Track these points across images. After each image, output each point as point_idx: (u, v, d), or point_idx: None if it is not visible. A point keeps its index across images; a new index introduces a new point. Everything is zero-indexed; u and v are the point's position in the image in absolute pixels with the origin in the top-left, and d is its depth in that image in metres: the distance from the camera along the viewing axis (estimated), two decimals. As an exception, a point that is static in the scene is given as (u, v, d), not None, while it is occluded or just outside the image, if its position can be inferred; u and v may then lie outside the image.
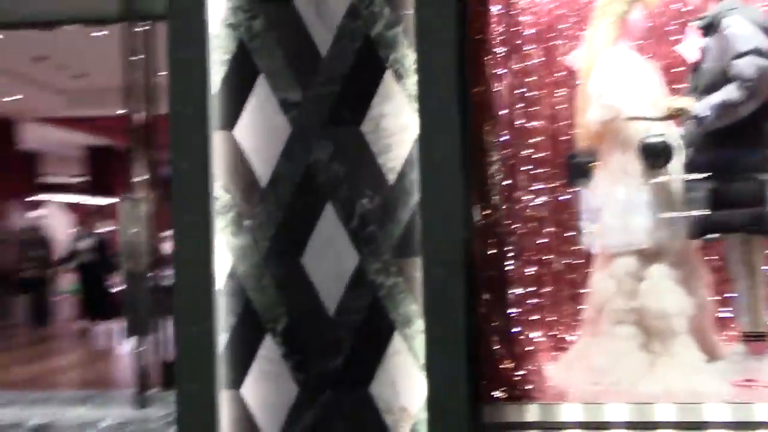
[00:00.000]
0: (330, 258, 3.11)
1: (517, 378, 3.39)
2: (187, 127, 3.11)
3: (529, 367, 3.46)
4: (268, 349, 3.14)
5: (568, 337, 4.17)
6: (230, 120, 3.17)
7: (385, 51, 3.09)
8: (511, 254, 3.48)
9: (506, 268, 3.45)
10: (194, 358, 3.08)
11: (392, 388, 3.06)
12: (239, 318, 3.14)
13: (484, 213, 3.32)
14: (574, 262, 4.17)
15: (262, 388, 3.13)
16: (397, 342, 3.06)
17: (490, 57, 3.37)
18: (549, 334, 4.05)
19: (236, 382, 3.13)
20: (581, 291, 4.07)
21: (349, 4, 3.11)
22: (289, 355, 3.13)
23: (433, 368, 2.96)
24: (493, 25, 3.45)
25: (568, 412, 3.23)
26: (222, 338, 3.13)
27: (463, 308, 2.96)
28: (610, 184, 3.92)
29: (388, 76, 3.09)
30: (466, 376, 2.99)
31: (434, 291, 2.97)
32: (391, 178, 3.08)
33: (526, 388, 3.38)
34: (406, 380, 3.05)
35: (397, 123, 3.08)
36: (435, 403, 2.96)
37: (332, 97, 3.13)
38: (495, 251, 3.34)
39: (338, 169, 3.12)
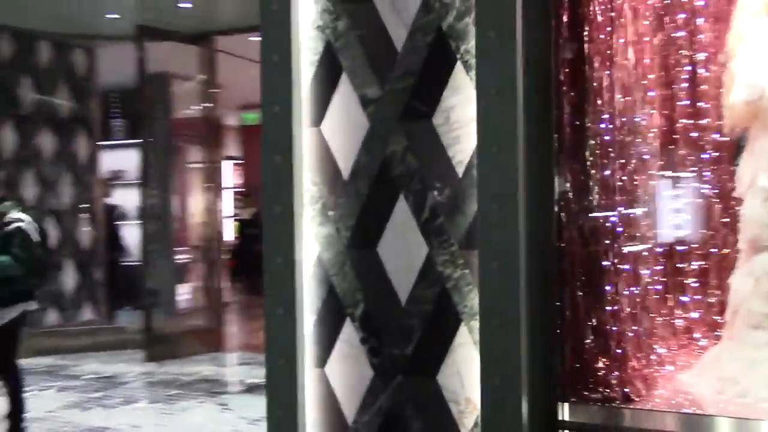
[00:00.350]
0: (402, 248, 3.21)
1: (609, 379, 3.25)
2: (276, 124, 3.37)
3: (629, 368, 3.29)
4: (348, 332, 3.32)
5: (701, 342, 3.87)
6: (318, 117, 3.38)
7: (456, 42, 3.09)
8: (609, 249, 3.32)
9: (602, 264, 3.30)
10: (280, 337, 3.36)
11: (458, 378, 3.09)
12: (324, 302, 3.36)
13: (571, 204, 3.20)
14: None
15: (343, 368, 3.33)
16: (463, 333, 3.08)
17: (579, 39, 3.22)
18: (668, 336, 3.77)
19: (321, 360, 3.36)
20: (714, 291, 3.75)
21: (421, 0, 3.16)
22: (365, 340, 3.29)
23: (487, 364, 2.95)
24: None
25: (656, 420, 3.04)
26: (309, 320, 3.37)
27: (518, 303, 2.90)
28: (755, 170, 3.58)
29: (459, 67, 3.09)
30: (526, 373, 2.93)
31: (488, 284, 2.95)
32: (460, 170, 3.09)
33: (618, 390, 3.23)
34: (471, 372, 3.05)
35: (466, 115, 3.07)
36: (488, 399, 2.95)
37: (407, 91, 3.20)
38: (586, 244, 3.21)
39: (411, 161, 3.20)
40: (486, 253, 2.97)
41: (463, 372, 3.08)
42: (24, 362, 7.73)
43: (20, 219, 4.91)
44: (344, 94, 3.33)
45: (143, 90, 8.35)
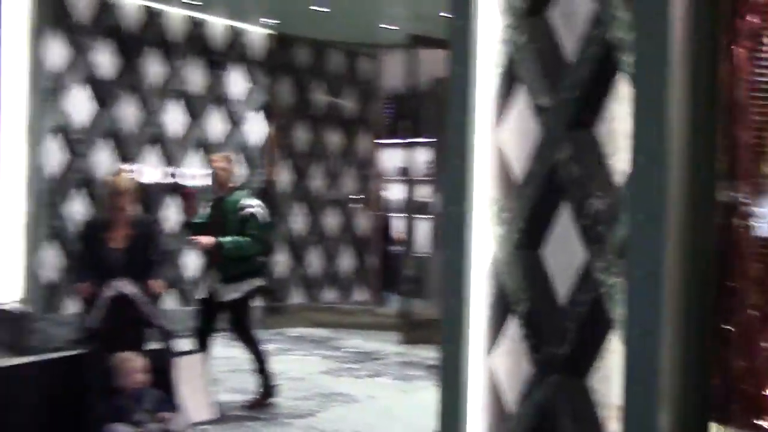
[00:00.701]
0: (563, 252, 3.34)
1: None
2: (459, 131, 3.68)
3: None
4: (512, 328, 3.54)
5: None
6: (499, 123, 3.62)
7: (621, 54, 3.14)
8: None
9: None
10: (452, 324, 3.67)
11: (607, 384, 3.16)
12: (494, 297, 3.61)
13: (740, 216, 3.08)
14: None
15: (506, 361, 3.55)
16: (614, 340, 3.14)
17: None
18: None
19: (489, 351, 3.62)
20: None
21: (592, 11, 3.25)
22: (527, 337, 3.48)
23: (628, 372, 2.99)
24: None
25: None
26: (482, 312, 3.64)
27: (659, 314, 2.89)
28: None
29: (622, 79, 3.14)
30: (668, 386, 2.92)
31: (631, 293, 2.98)
32: (619, 180, 3.14)
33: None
34: (620, 379, 3.11)
35: (626, 125, 3.11)
36: (629, 407, 2.98)
37: (574, 101, 3.32)
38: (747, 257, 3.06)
39: (575, 170, 3.31)
40: (632, 262, 3.01)
41: (613, 378, 3.14)
42: (301, 331, 8.94)
43: (252, 205, 5.57)
44: (521, 104, 3.54)
45: (433, 92, 9.01)
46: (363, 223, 10.09)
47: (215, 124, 8.69)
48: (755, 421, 3.06)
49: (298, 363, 7.30)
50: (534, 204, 3.47)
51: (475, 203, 3.64)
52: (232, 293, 5.51)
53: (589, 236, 3.25)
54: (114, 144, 7.93)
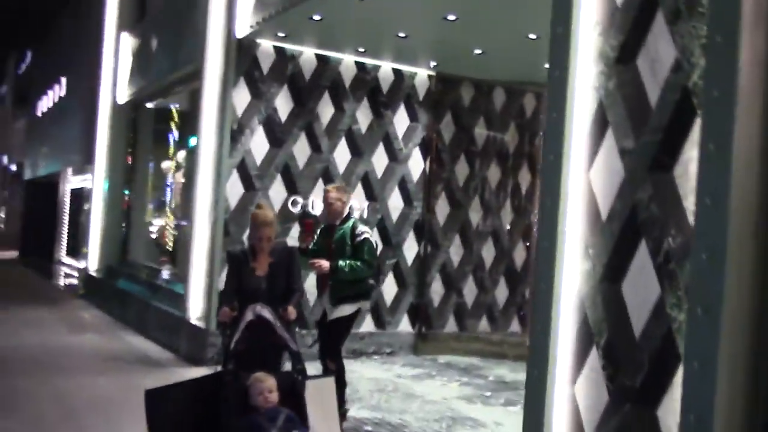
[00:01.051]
0: (640, 287, 3.51)
1: None
2: (552, 172, 3.95)
3: None
4: (594, 357, 3.72)
5: None
6: (588, 164, 3.85)
7: (698, 99, 3.29)
8: None
9: None
10: (538, 351, 3.92)
11: (674, 416, 3.27)
12: (579, 328, 3.81)
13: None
14: None
15: (587, 389, 3.74)
16: (681, 373, 3.25)
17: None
18: None
19: (573, 379, 3.82)
20: None
21: (674, 59, 3.43)
22: (606, 367, 3.65)
23: (685, 405, 3.10)
24: None
25: None
26: (568, 342, 3.86)
27: (716, 349, 3.00)
28: None
29: (699, 123, 3.28)
30: (722, 420, 3.00)
31: (691, 328, 3.10)
32: (692, 219, 3.27)
33: None
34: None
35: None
36: (687, 436, 3.09)
37: (655, 144, 3.50)
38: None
39: (654, 209, 3.48)
40: (693, 298, 3.14)
41: (679, 410, 3.25)
42: (451, 359, 9.28)
43: (367, 231, 5.93)
44: (608, 146, 3.75)
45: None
46: (518, 255, 10.27)
47: (379, 160, 9.34)
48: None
49: (438, 388, 7.64)
50: (616, 240, 3.66)
51: (565, 239, 3.88)
52: (339, 313, 5.88)
53: (663, 273, 3.40)
54: (286, 179, 8.81)
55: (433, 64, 9.41)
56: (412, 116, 9.63)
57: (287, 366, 4.81)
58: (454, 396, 7.36)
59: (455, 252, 9.87)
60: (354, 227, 5.88)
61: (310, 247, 5.90)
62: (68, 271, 19.04)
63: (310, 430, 4.33)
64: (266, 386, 4.24)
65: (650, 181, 3.51)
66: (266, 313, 4.56)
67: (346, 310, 5.90)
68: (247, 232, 5.78)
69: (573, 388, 3.81)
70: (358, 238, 5.80)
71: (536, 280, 4.01)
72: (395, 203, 9.55)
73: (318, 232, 6.14)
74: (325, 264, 5.68)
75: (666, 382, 3.34)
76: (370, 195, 9.39)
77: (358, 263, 5.76)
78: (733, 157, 3.05)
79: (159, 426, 4.23)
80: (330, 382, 4.86)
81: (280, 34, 8.48)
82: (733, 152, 3.05)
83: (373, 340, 9.33)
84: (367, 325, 9.31)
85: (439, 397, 7.23)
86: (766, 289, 3.11)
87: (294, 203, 8.89)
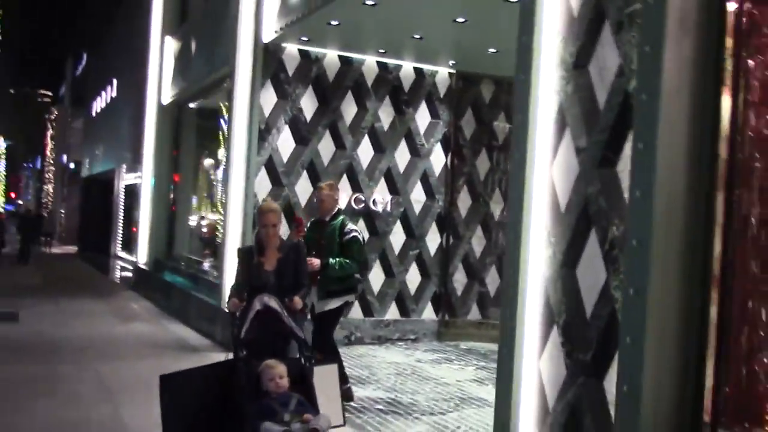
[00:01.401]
0: (591, 272, 3.89)
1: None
2: (519, 168, 4.34)
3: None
4: (555, 335, 4.12)
5: None
6: (551, 161, 4.24)
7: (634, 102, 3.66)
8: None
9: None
10: (507, 330, 4.32)
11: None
12: (542, 309, 4.21)
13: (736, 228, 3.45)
14: None
15: (549, 364, 4.14)
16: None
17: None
18: None
19: (539, 355, 4.22)
20: None
21: (618, 66, 3.80)
22: (564, 344, 4.04)
23: (620, 375, 3.49)
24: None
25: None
26: (534, 322, 4.26)
27: (644, 322, 3.37)
28: None
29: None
30: (652, 388, 3.38)
31: (626, 306, 3.48)
32: (631, 210, 3.65)
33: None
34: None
35: (637, 164, 3.62)
36: (621, 406, 3.48)
37: (602, 143, 3.87)
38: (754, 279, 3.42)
39: (601, 202, 3.86)
40: (627, 281, 3.52)
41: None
42: (473, 345, 9.68)
43: (356, 230, 6.28)
44: (566, 145, 4.14)
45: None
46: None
47: (401, 156, 9.78)
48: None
49: (454, 372, 8.06)
50: (572, 230, 4.05)
51: (530, 229, 4.28)
52: (327, 306, 6.22)
53: (608, 259, 3.78)
54: (311, 175, 9.33)
55: (452, 62, 9.79)
56: (434, 113, 10.04)
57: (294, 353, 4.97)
58: (468, 379, 7.76)
59: (477, 243, 10.25)
60: (343, 225, 6.23)
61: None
62: (123, 264, 19.99)
63: (320, 412, 4.49)
64: (277, 372, 4.44)
65: (598, 176, 3.90)
66: (273, 302, 4.78)
67: (333, 303, 6.23)
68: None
69: (539, 363, 4.21)
70: (347, 236, 6.15)
71: (505, 266, 4.42)
72: (417, 196, 9.97)
73: (308, 226, 6.58)
74: (316, 262, 6.01)
75: (611, 357, 3.72)
76: (392, 189, 9.83)
77: (347, 261, 6.12)
78: (659, 154, 3.42)
79: (171, 409, 4.51)
80: (333, 368, 5.20)
81: (304, 38, 8.97)
82: (658, 150, 3.42)
83: (398, 327, 9.80)
84: (392, 312, 9.79)
85: (453, 380, 7.65)
86: (692, 272, 3.47)
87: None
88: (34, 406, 6.28)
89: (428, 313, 10.05)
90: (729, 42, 3.50)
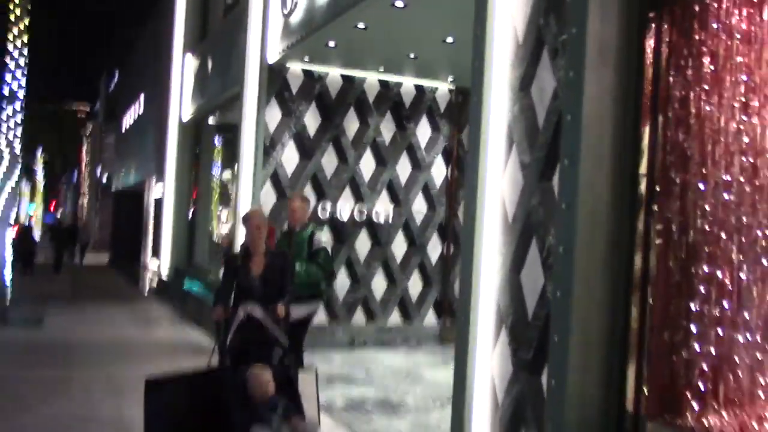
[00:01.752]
0: (532, 277, 4.26)
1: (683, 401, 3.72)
2: (472, 180, 4.72)
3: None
4: (503, 335, 4.49)
5: None
6: (501, 176, 4.62)
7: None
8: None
9: (683, 282, 3.77)
10: (462, 331, 4.70)
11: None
12: (494, 311, 4.58)
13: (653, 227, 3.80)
14: None
15: (499, 362, 4.51)
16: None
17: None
18: None
19: (490, 354, 4.59)
20: None
21: (554, 89, 4.17)
22: (510, 343, 4.41)
23: (551, 369, 3.85)
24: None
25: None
26: (487, 322, 4.63)
27: (569, 322, 3.74)
28: None
29: (567, 142, 4.02)
30: (575, 381, 3.74)
31: (553, 307, 3.84)
32: (562, 220, 4.01)
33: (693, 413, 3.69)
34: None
35: (567, 178, 3.99)
36: (551, 397, 3.84)
37: (542, 159, 4.25)
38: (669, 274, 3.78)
39: (541, 213, 4.23)
40: (555, 284, 3.89)
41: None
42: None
43: (324, 242, 6.56)
44: (513, 160, 4.52)
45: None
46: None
47: (402, 168, 10.19)
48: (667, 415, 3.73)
49: (449, 374, 8.41)
50: (517, 239, 4.42)
51: (483, 238, 4.65)
52: (298, 312, 6.24)
53: (546, 265, 4.15)
54: (315, 187, 9.77)
55: (451, 78, 10.18)
56: (434, 127, 10.43)
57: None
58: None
59: (477, 251, 10.59)
60: (312, 235, 6.54)
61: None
62: (151, 274, 20.65)
63: (306, 415, 4.69)
64: (264, 378, 4.60)
65: (538, 189, 4.27)
66: (257, 312, 4.97)
67: (301, 311, 6.32)
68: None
69: (491, 362, 4.58)
70: (316, 246, 6.49)
71: (461, 272, 4.80)
72: (419, 207, 10.36)
73: (278, 236, 7.00)
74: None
75: (546, 354, 4.08)
76: (394, 200, 10.24)
77: (313, 267, 6.43)
78: (581, 170, 3.79)
79: (155, 413, 4.66)
80: (311, 376, 5.34)
81: (306, 59, 9.44)
82: (581, 166, 3.79)
83: (401, 332, 10.19)
84: (395, 319, 10.18)
85: (445, 382, 8.00)
86: (615, 277, 3.82)
87: (323, 208, 9.83)
88: (50, 404, 6.78)
89: (430, 318, 10.42)
90: (648, 72, 3.85)
